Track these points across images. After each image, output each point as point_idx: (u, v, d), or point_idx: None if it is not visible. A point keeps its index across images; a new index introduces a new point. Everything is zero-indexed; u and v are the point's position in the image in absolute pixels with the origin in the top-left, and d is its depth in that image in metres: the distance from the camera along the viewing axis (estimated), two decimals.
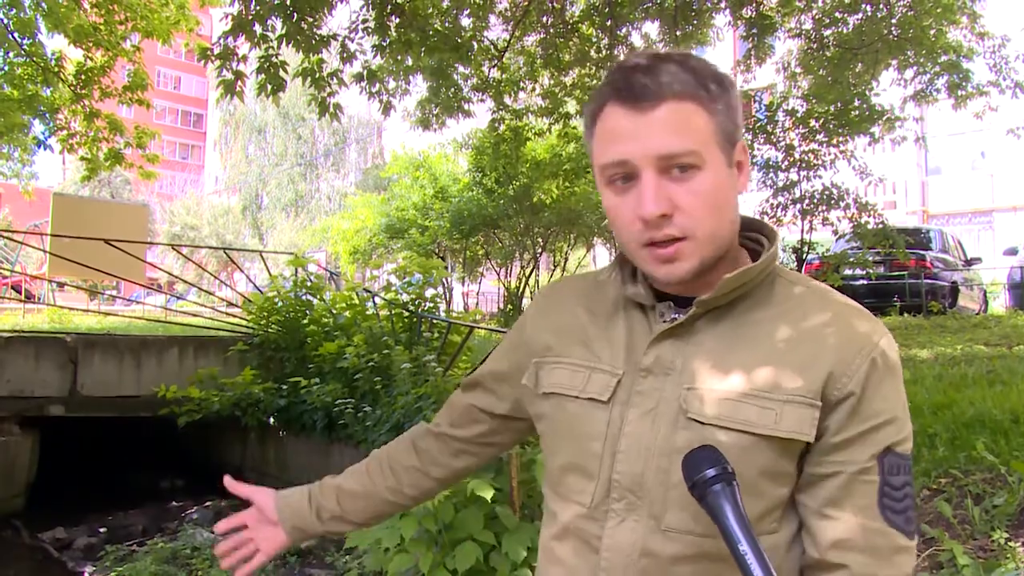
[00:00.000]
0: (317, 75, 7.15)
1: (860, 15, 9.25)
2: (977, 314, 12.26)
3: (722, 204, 0.99)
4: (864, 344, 0.99)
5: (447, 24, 8.59)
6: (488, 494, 3.37)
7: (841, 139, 10.45)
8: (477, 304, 19.44)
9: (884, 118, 10.30)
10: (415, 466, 1.33)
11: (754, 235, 1.10)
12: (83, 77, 10.39)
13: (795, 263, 11.03)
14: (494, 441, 1.32)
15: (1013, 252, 13.17)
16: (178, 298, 18.32)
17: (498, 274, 18.24)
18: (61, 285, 16.08)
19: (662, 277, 1.01)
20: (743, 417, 0.97)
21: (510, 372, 1.23)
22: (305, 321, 8.69)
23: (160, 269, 17.64)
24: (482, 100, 9.89)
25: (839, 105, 10.01)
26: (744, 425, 0.96)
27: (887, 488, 0.96)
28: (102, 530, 7.23)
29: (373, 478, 1.34)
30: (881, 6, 8.92)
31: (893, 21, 8.98)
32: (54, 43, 10.89)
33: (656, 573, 1.00)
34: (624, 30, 9.71)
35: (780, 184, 10.89)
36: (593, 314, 1.12)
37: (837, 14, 9.50)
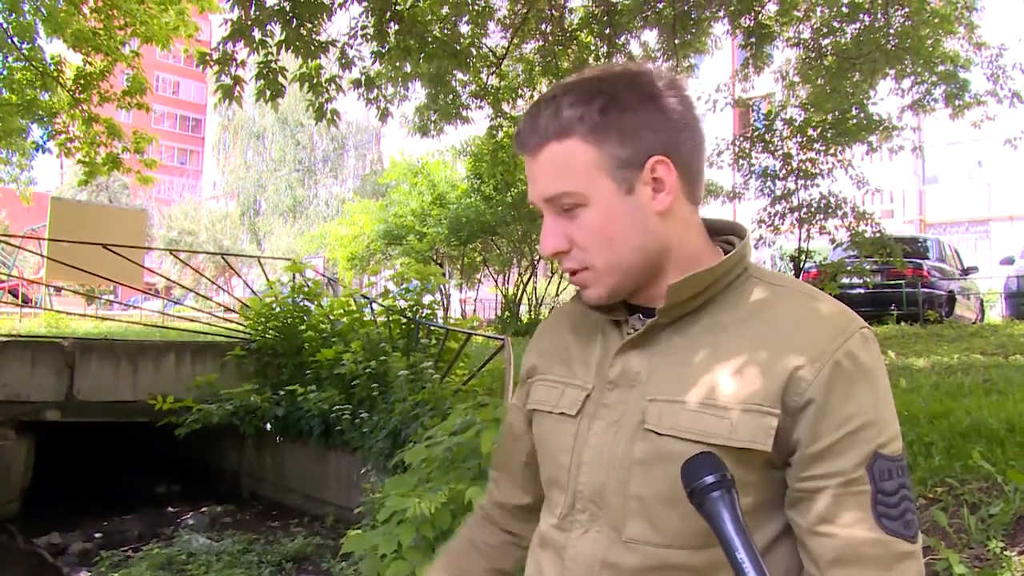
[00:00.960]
0: (315, 81, 7.16)
1: (858, 25, 9.27)
2: (974, 323, 12.27)
3: (615, 235, 1.00)
4: (827, 346, 0.94)
5: (446, 31, 8.60)
6: None
7: (839, 148, 10.47)
8: (475, 311, 19.44)
9: (881, 127, 10.33)
10: (509, 541, 1.30)
11: (730, 237, 1.10)
12: (82, 82, 10.40)
13: (792, 271, 11.04)
14: None
15: (1010, 261, 13.19)
16: (175, 303, 18.31)
17: (496, 281, 18.24)
18: (58, 289, 16.08)
19: (584, 299, 1.08)
20: (697, 428, 0.95)
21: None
22: (303, 327, 8.70)
23: (158, 274, 17.66)
24: (480, 107, 9.90)
25: (837, 114, 10.04)
26: (697, 435, 0.95)
27: (880, 496, 0.92)
28: (97, 535, 7.21)
29: (472, 566, 1.31)
30: (879, 16, 8.95)
31: (891, 31, 9.00)
32: (53, 48, 10.91)
33: None
34: (623, 38, 9.73)
35: (778, 193, 10.91)
36: (577, 334, 1.15)
37: (835, 24, 9.53)
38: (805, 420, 0.93)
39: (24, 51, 9.79)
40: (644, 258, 1.02)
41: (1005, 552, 2.78)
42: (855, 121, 10.08)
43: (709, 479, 0.85)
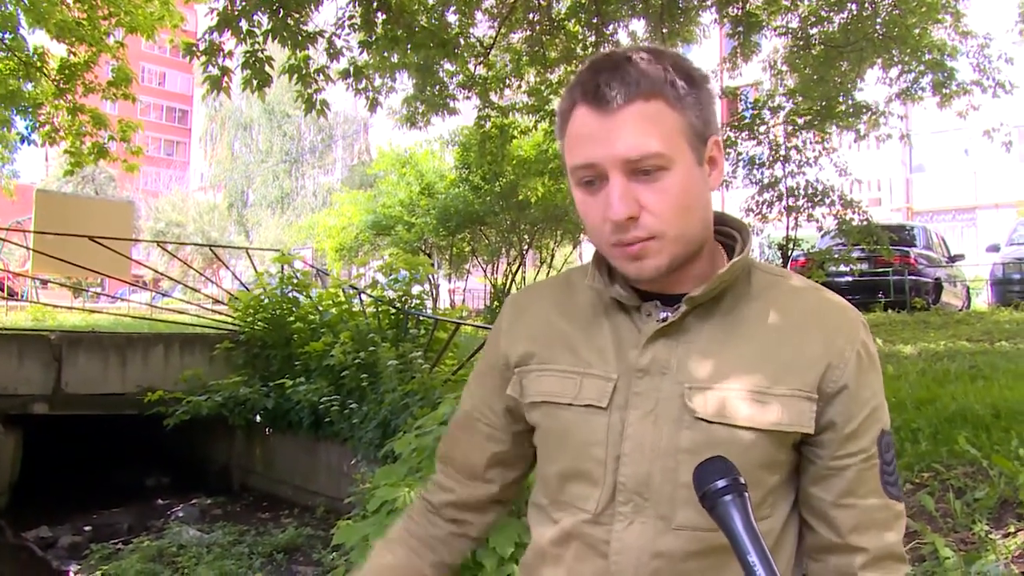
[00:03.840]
0: (303, 71, 7.12)
1: (846, 13, 9.29)
2: (960, 310, 12.35)
3: (691, 204, 0.99)
4: (850, 338, 1.03)
5: (433, 20, 8.57)
6: None
7: (826, 135, 10.50)
8: (464, 301, 19.44)
9: (868, 113, 10.36)
10: (456, 532, 1.26)
11: (724, 229, 1.11)
12: (66, 72, 10.32)
13: (781, 259, 11.09)
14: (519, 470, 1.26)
15: (996, 249, 13.27)
16: (164, 295, 18.23)
17: (485, 271, 18.26)
18: (45, 282, 15.98)
19: (632, 274, 1.02)
20: (746, 414, 0.99)
21: (496, 392, 1.19)
22: (291, 318, 8.68)
23: (145, 266, 17.54)
24: (468, 97, 9.87)
25: (824, 102, 10.05)
26: (748, 422, 0.99)
27: (884, 466, 1.03)
28: (87, 529, 7.20)
29: (412, 561, 1.25)
30: (866, 5, 8.96)
31: (878, 20, 9.02)
32: (36, 38, 10.81)
33: (668, 572, 1.01)
34: (611, 27, 9.72)
35: (766, 181, 10.94)
36: (570, 318, 1.11)
37: (823, 12, 9.54)
38: (840, 404, 1.01)
39: (6, 41, 9.70)
40: (705, 233, 1.04)
41: (990, 535, 2.82)
42: (842, 108, 10.10)
43: (720, 483, 0.87)
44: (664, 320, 1.04)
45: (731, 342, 1.02)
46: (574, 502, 1.06)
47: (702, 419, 1.00)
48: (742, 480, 0.88)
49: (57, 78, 10.30)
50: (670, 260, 0.99)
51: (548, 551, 1.10)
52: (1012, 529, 2.82)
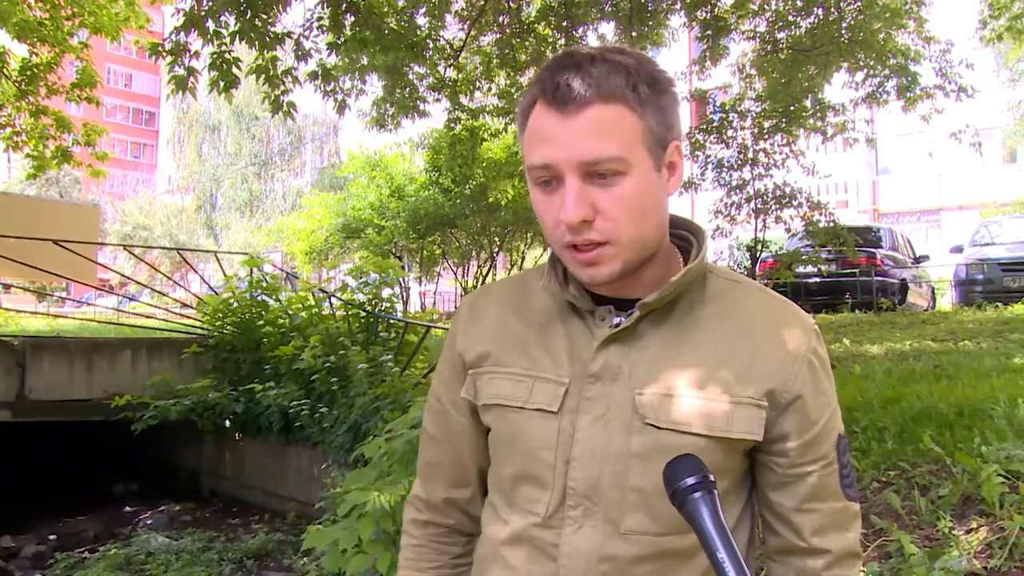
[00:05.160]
0: (271, 73, 7.07)
1: (812, 18, 9.40)
2: (925, 310, 12.54)
3: (647, 209, 0.98)
4: (801, 347, 1.03)
5: (403, 23, 8.54)
6: None
7: (792, 137, 10.61)
8: (434, 303, 19.41)
9: (833, 115, 10.49)
10: (469, 550, 1.24)
11: (681, 232, 1.11)
12: (28, 73, 10.13)
13: (750, 261, 11.19)
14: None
15: (959, 250, 13.49)
16: (130, 299, 18.00)
17: (455, 273, 18.23)
18: (7, 287, 15.69)
19: (585, 279, 1.01)
20: (696, 420, 0.99)
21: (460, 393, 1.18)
22: (261, 322, 8.62)
23: (111, 270, 17.29)
24: (438, 100, 9.85)
25: (792, 106, 10.16)
26: (698, 428, 0.99)
27: (843, 469, 1.05)
28: (52, 537, 7.08)
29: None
30: (832, 10, 9.07)
31: (844, 25, 9.14)
32: None
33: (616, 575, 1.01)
34: (580, 31, 9.75)
35: (734, 183, 11.03)
36: (526, 321, 1.11)
37: (790, 17, 9.64)
38: (796, 413, 1.02)
39: None
40: (659, 238, 1.04)
41: (953, 531, 2.86)
42: (808, 110, 10.22)
43: (690, 481, 0.88)
44: (617, 325, 1.03)
45: (684, 348, 1.02)
46: (525, 504, 1.06)
47: (652, 424, 1.00)
48: (711, 477, 0.88)
49: (18, 79, 10.12)
50: (623, 266, 0.99)
51: (501, 552, 1.09)
52: (974, 525, 2.87)
